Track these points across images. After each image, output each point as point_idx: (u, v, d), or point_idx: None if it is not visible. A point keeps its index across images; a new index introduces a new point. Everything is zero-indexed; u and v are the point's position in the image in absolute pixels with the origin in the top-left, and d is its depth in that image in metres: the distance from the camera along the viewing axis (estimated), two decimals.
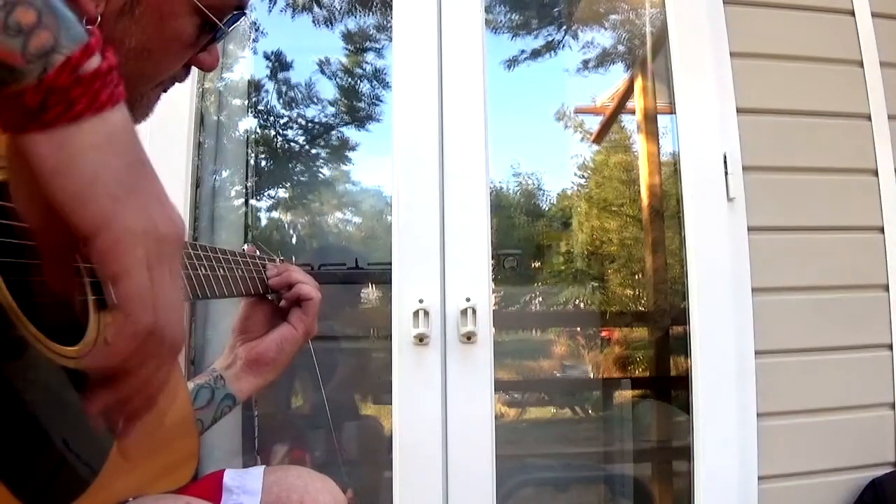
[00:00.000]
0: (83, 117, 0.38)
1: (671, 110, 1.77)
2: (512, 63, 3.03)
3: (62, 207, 0.38)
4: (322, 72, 3.08)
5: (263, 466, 0.84)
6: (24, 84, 0.37)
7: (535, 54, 3.07)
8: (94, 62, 0.39)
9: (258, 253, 0.95)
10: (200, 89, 1.99)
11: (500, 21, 2.97)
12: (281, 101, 3.04)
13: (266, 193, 2.95)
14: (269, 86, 2.96)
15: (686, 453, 1.67)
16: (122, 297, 0.39)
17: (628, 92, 2.94)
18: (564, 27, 3.08)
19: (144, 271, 0.40)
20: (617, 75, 3.22)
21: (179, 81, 0.68)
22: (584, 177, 3.57)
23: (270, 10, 2.71)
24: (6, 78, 0.37)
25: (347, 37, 3.06)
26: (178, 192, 1.51)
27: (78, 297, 0.56)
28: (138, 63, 0.60)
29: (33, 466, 0.49)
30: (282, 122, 3.05)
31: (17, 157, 0.40)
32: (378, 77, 3.07)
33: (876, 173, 1.74)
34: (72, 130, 0.38)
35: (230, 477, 0.81)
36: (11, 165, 0.40)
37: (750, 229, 1.66)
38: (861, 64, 1.77)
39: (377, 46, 3.03)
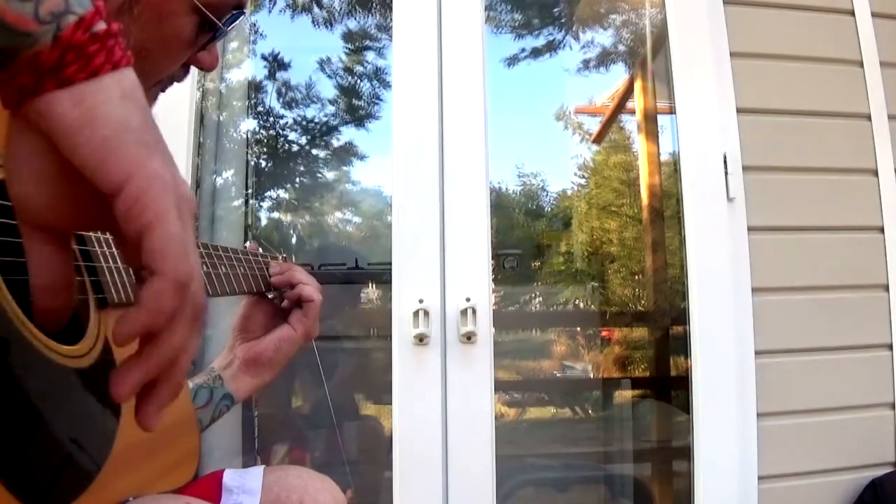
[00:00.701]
0: (103, 71, 0.38)
1: (671, 110, 1.77)
2: (512, 62, 3.03)
3: (88, 160, 0.37)
4: (322, 70, 3.08)
5: (263, 466, 0.84)
6: (40, 45, 0.37)
7: (536, 54, 3.07)
8: (104, 24, 0.39)
9: (261, 251, 0.95)
10: (201, 89, 1.99)
11: (501, 20, 2.97)
12: (281, 101, 3.04)
13: (266, 194, 2.95)
14: (269, 86, 2.97)
15: (686, 453, 1.67)
16: (153, 246, 0.37)
17: (628, 92, 2.94)
18: (564, 27, 3.08)
19: (179, 220, 0.38)
20: (617, 75, 3.22)
21: (178, 81, 0.68)
22: (584, 177, 3.57)
23: (270, 11, 2.72)
24: (20, 43, 0.36)
25: (347, 36, 3.06)
26: None
27: (73, 297, 0.56)
28: (137, 62, 0.59)
29: (32, 466, 0.48)
30: (282, 122, 3.05)
31: (20, 134, 0.39)
32: (379, 77, 3.07)
33: (876, 173, 1.74)
34: (92, 85, 0.37)
35: (230, 477, 0.81)
36: (10, 147, 0.39)
37: (750, 229, 1.66)
38: (861, 64, 1.77)
39: (378, 46, 3.03)
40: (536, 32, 3.07)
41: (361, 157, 3.05)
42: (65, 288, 0.42)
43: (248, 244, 0.94)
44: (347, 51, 3.09)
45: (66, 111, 0.37)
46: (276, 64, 2.98)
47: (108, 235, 0.63)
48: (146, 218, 0.37)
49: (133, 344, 0.39)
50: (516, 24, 3.02)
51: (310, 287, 0.92)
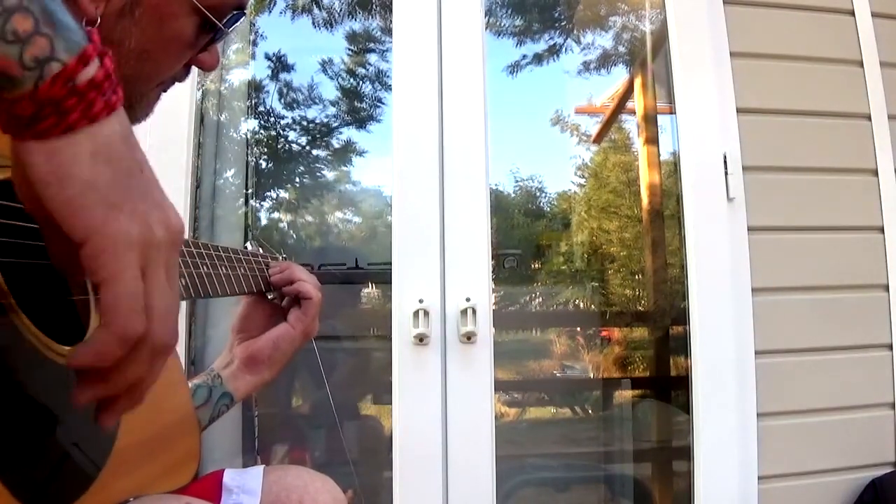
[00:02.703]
0: (77, 128, 0.38)
1: (671, 110, 1.77)
2: (514, 69, 3.04)
3: (55, 214, 0.39)
4: (325, 72, 3.08)
5: (263, 466, 0.84)
6: (21, 91, 0.37)
7: (536, 58, 3.08)
8: (91, 70, 0.39)
9: (261, 251, 0.95)
10: (201, 90, 1.99)
11: (502, 25, 2.97)
12: (282, 101, 3.04)
13: (266, 194, 2.96)
14: (270, 87, 2.97)
15: (686, 453, 1.67)
16: (106, 302, 0.39)
17: (628, 92, 2.94)
18: (564, 30, 3.08)
19: (135, 277, 0.40)
20: (617, 76, 3.22)
21: (179, 81, 0.68)
22: (583, 177, 3.57)
23: (270, 12, 2.72)
24: (4, 84, 0.37)
25: (350, 38, 3.06)
26: (178, 193, 1.51)
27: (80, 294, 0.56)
28: (138, 63, 0.60)
29: (33, 466, 0.49)
30: (282, 122, 3.05)
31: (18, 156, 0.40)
32: (380, 80, 3.07)
33: (876, 173, 1.74)
34: (64, 141, 0.38)
35: (230, 476, 0.81)
36: (15, 162, 0.41)
37: (750, 229, 1.66)
38: (861, 64, 1.77)
39: (382, 49, 3.03)
40: (536, 37, 3.07)
41: (362, 156, 3.05)
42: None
43: (248, 245, 0.94)
44: (350, 52, 3.09)
45: (39, 164, 0.38)
46: (278, 64, 2.98)
47: None
48: (100, 276, 0.39)
49: None
50: (516, 29, 3.02)
51: (308, 284, 0.92)
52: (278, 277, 0.92)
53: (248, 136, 2.41)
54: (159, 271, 0.41)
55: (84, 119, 0.39)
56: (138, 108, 0.64)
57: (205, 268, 0.76)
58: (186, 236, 1.54)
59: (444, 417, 1.50)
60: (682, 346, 1.73)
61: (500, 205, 3.26)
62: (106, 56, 0.40)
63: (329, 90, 3.12)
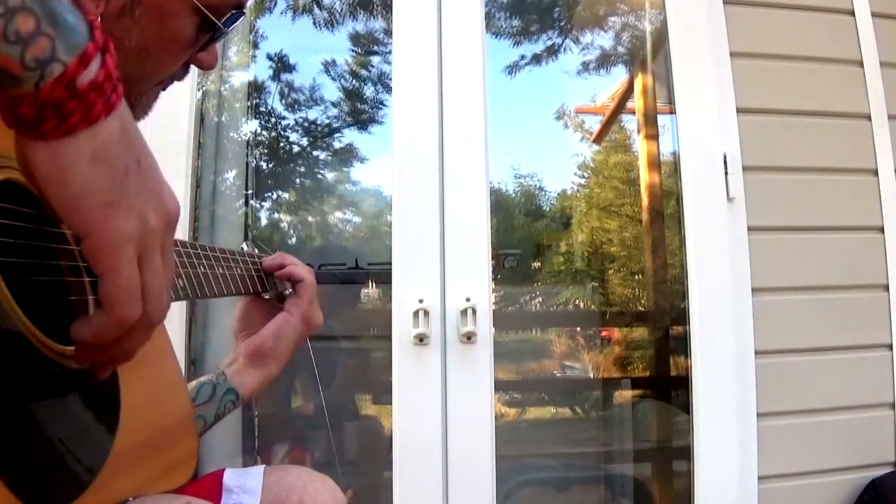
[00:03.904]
0: (77, 130, 0.39)
1: (671, 110, 1.77)
2: (513, 69, 3.04)
3: (57, 211, 0.40)
4: (327, 73, 3.08)
5: (263, 466, 0.84)
6: (22, 90, 0.37)
7: (536, 58, 3.08)
8: (92, 70, 0.39)
9: (256, 252, 0.95)
10: (201, 90, 1.99)
11: (502, 27, 2.97)
12: (283, 102, 3.04)
13: (266, 194, 2.96)
14: (271, 87, 2.97)
15: (686, 453, 1.67)
16: (106, 292, 0.42)
17: (628, 92, 2.94)
18: (564, 30, 3.09)
19: (132, 269, 0.42)
20: (617, 76, 3.22)
21: (178, 80, 0.69)
22: (584, 177, 3.57)
23: (271, 13, 2.72)
24: (6, 83, 0.37)
25: (353, 39, 3.06)
26: (178, 193, 1.50)
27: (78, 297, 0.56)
28: (138, 63, 0.60)
29: (32, 465, 0.49)
30: (283, 123, 3.05)
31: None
32: (382, 81, 3.07)
33: (876, 173, 1.74)
34: (65, 142, 0.39)
35: (230, 476, 0.81)
36: (19, 154, 0.42)
37: (750, 229, 1.66)
38: (861, 64, 1.77)
39: (384, 51, 3.03)
40: (536, 37, 3.07)
41: (362, 160, 3.05)
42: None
43: (244, 246, 0.94)
44: (352, 53, 3.10)
45: (41, 163, 0.39)
46: (280, 65, 2.98)
47: None
48: (99, 269, 0.42)
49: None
50: (515, 30, 3.02)
51: (299, 267, 0.93)
52: (270, 263, 0.93)
53: (248, 136, 2.41)
54: (154, 256, 0.44)
55: (84, 121, 0.39)
56: (138, 106, 0.64)
57: (202, 268, 0.76)
58: (186, 237, 1.55)
59: (444, 417, 1.50)
60: (682, 346, 1.73)
61: (500, 204, 3.26)
62: (107, 53, 0.40)
63: (330, 91, 3.12)
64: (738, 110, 1.70)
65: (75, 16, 0.39)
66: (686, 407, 1.70)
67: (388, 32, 2.93)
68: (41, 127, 0.38)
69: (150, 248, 0.44)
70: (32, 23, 0.37)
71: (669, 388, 2.48)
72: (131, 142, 0.43)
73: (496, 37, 2.95)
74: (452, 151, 1.59)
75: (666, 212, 2.49)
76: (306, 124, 3.11)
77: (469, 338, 1.51)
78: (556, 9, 3.13)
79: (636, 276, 3.12)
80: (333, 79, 3.10)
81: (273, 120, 3.01)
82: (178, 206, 0.47)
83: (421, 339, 1.50)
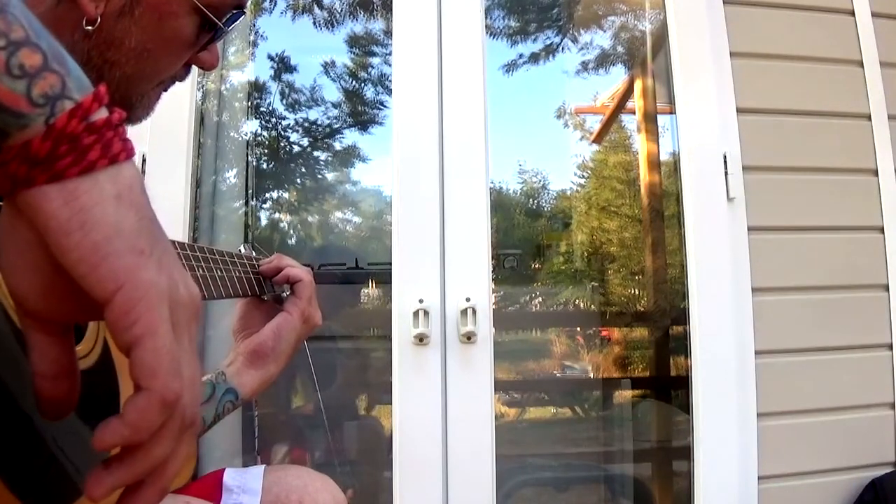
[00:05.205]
0: (97, 167, 0.35)
1: (671, 110, 1.77)
2: (511, 67, 3.03)
3: (78, 265, 0.34)
4: (326, 73, 3.08)
5: (263, 466, 0.84)
6: (30, 131, 0.34)
7: (535, 58, 3.08)
8: (104, 112, 0.36)
9: (254, 253, 0.95)
10: (202, 90, 1.99)
11: (500, 27, 2.97)
12: (284, 102, 3.04)
13: (266, 194, 2.96)
14: (272, 87, 2.97)
15: (686, 453, 1.67)
16: (145, 360, 0.35)
17: (628, 92, 2.94)
18: (564, 30, 3.09)
19: (170, 331, 0.36)
20: (617, 76, 3.22)
21: (180, 80, 0.68)
22: (583, 177, 3.57)
23: (271, 13, 2.72)
24: (10, 124, 0.33)
25: (352, 39, 3.06)
26: (178, 193, 1.50)
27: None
28: (138, 63, 0.60)
29: (33, 466, 0.49)
30: (283, 123, 3.05)
31: (14, 222, 0.36)
32: (383, 83, 3.07)
33: (876, 173, 1.74)
34: (86, 181, 0.34)
35: (230, 476, 0.81)
36: (4, 237, 0.36)
37: (750, 229, 1.66)
38: (861, 64, 1.77)
39: (385, 52, 3.03)
40: (535, 37, 3.07)
41: (365, 162, 3.06)
42: (65, 376, 0.39)
43: (242, 248, 0.94)
44: (352, 54, 3.10)
45: (57, 209, 0.34)
46: (280, 65, 2.98)
47: None
48: (136, 332, 0.35)
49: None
50: (512, 30, 3.02)
51: (296, 268, 0.93)
52: (267, 267, 0.93)
53: (248, 136, 2.41)
54: (185, 335, 0.38)
55: (104, 158, 0.35)
56: (139, 107, 0.64)
57: (200, 270, 0.76)
58: (185, 238, 1.55)
59: (444, 417, 1.50)
60: (682, 346, 1.73)
61: (500, 203, 3.26)
62: (115, 107, 0.37)
63: (330, 91, 3.13)
64: (738, 110, 1.70)
65: (78, 69, 0.37)
66: (686, 407, 1.70)
67: (388, 33, 2.93)
68: (56, 164, 0.34)
69: (183, 321, 0.37)
70: (39, 58, 0.34)
71: (669, 388, 2.48)
72: (148, 197, 0.38)
73: (494, 38, 2.95)
74: (452, 152, 1.59)
75: (666, 212, 2.49)
76: (307, 125, 3.11)
77: (469, 338, 1.51)
78: (556, 9, 3.13)
79: (636, 277, 3.12)
80: (333, 80, 3.10)
81: (273, 120, 3.01)
82: (200, 296, 0.41)
83: (421, 339, 1.50)
